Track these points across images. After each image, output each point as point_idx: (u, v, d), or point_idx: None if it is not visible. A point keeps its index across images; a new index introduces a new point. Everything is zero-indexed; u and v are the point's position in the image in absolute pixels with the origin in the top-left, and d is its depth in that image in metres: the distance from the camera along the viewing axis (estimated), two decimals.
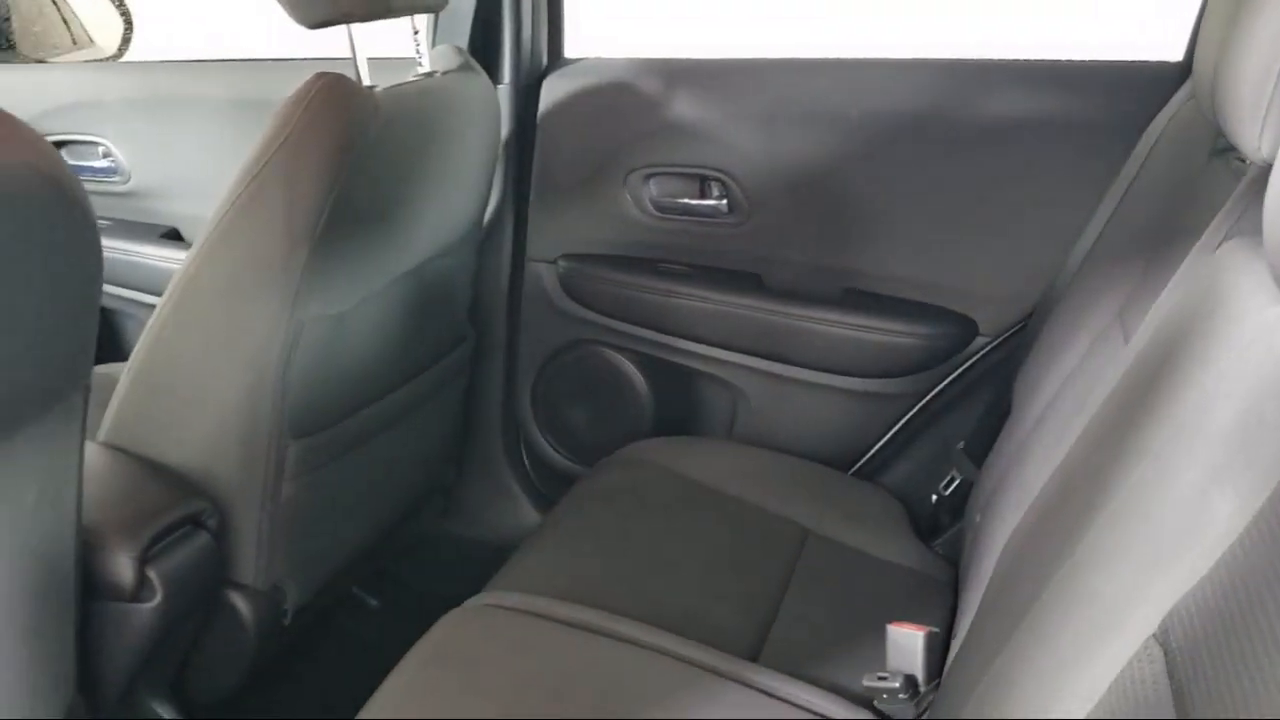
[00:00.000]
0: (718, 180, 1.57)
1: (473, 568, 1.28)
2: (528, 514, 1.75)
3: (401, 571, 1.73)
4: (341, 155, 1.13)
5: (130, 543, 1.08)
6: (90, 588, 1.06)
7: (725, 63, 1.59)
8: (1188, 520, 0.62)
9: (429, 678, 1.06)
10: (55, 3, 2.23)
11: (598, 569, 1.26)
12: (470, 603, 1.17)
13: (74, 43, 2.25)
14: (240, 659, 1.30)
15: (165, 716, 1.24)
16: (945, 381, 1.52)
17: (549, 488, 1.76)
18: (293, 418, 1.21)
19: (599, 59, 1.65)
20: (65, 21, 2.25)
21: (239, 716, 1.37)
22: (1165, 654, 0.59)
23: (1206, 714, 0.53)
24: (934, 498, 1.48)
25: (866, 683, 1.07)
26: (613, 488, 1.45)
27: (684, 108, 1.56)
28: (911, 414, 1.55)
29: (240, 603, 1.26)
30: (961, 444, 1.46)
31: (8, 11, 2.06)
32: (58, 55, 2.13)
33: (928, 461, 1.54)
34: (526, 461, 1.79)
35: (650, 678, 1.08)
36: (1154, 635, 0.61)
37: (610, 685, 1.06)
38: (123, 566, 1.07)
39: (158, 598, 1.09)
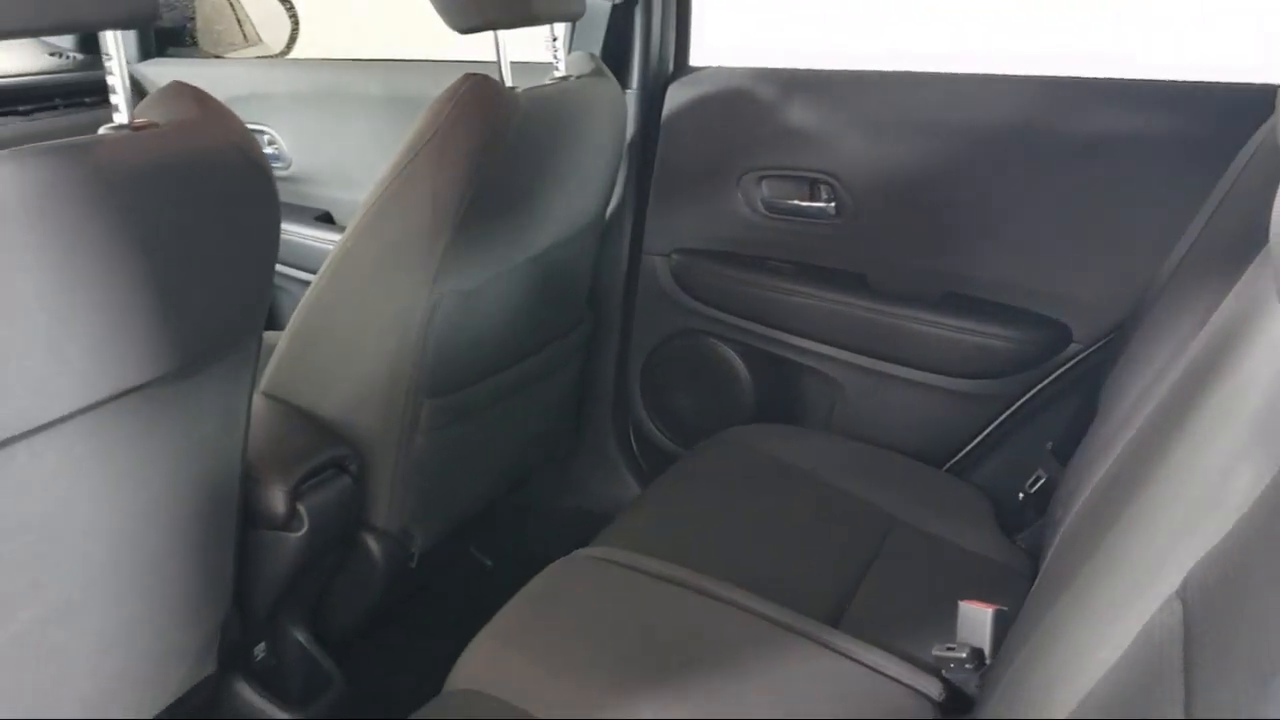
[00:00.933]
0: (827, 184, 1.66)
1: (577, 535, 1.38)
2: (630, 488, 1.87)
3: (513, 536, 1.87)
4: (484, 149, 1.26)
5: (284, 478, 1.23)
6: (248, 516, 1.22)
7: (838, 74, 1.68)
8: (1213, 492, 0.69)
9: (533, 614, 1.18)
10: (232, 5, 2.45)
11: (692, 534, 1.36)
12: (576, 553, 1.29)
13: (246, 40, 2.46)
14: (369, 595, 1.45)
15: (301, 639, 1.40)
16: (1039, 386, 1.58)
17: (651, 465, 1.88)
18: (427, 379, 1.34)
19: (720, 68, 1.76)
20: (239, 21, 2.46)
21: (362, 649, 1.51)
22: (1184, 607, 0.67)
23: (1210, 656, 0.61)
24: (1020, 495, 1.54)
25: (936, 652, 1.15)
26: (712, 466, 1.55)
27: (797, 115, 1.66)
28: (1004, 415, 1.61)
29: (372, 543, 1.40)
30: (1050, 444, 1.51)
31: (192, 12, 2.29)
32: (233, 51, 2.35)
33: (1016, 460, 1.59)
34: (632, 439, 1.90)
35: (732, 630, 1.18)
36: (1176, 592, 0.68)
37: (694, 634, 1.17)
38: (277, 498, 1.22)
39: (304, 529, 1.24)
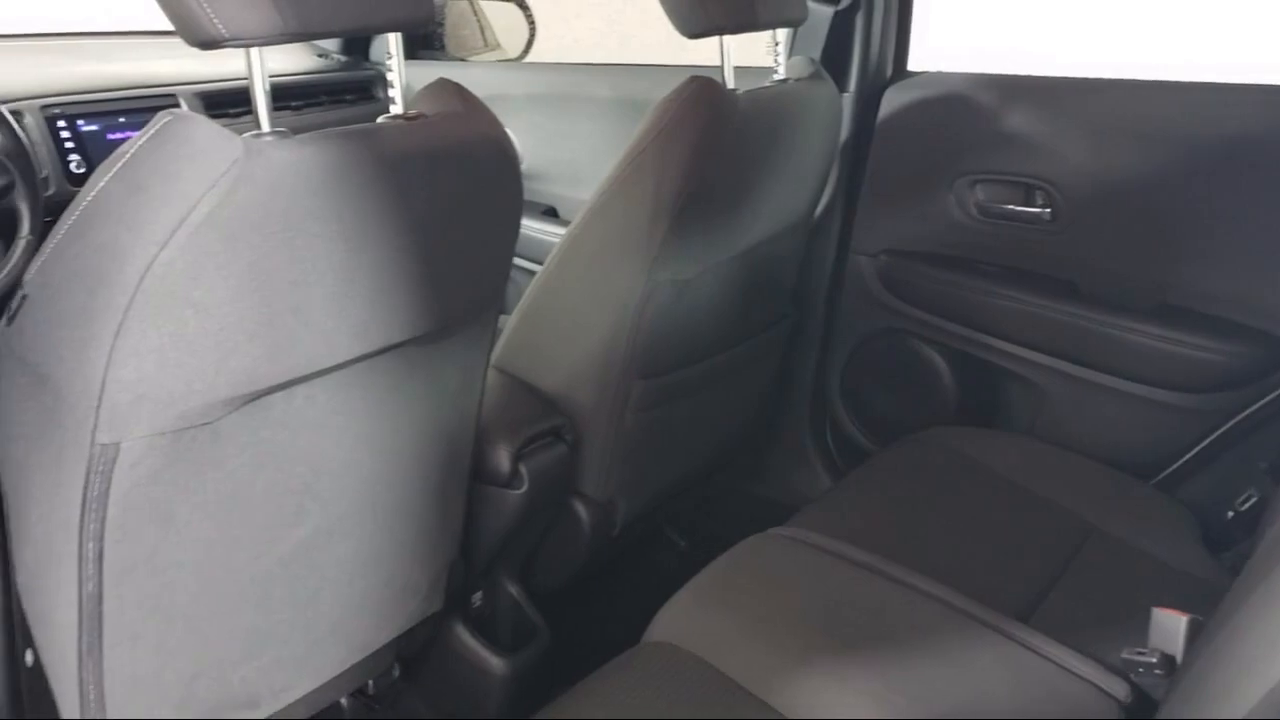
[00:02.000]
0: (1042, 189, 1.67)
1: (767, 522, 1.44)
2: (822, 481, 1.92)
3: (705, 519, 1.95)
4: (704, 147, 1.35)
5: (510, 441, 1.36)
6: (477, 472, 1.35)
7: (1059, 80, 1.68)
8: None
9: (727, 580, 1.26)
10: (476, 12, 2.65)
11: (885, 524, 1.41)
12: (771, 530, 1.36)
13: (487, 45, 2.66)
14: (575, 558, 1.57)
15: (514, 592, 1.53)
16: (1256, 405, 1.53)
17: (845, 461, 1.93)
18: (639, 361, 1.44)
19: (938, 73, 1.79)
20: (482, 28, 2.66)
21: (566, 606, 1.63)
22: None
23: None
24: (1229, 514, 1.50)
25: (1125, 654, 1.15)
26: (909, 463, 1.59)
27: (1016, 120, 1.67)
28: (1216, 432, 1.57)
29: (581, 509, 1.52)
30: (1265, 464, 1.47)
31: (442, 19, 2.49)
32: (475, 55, 2.54)
33: (1227, 477, 1.56)
34: (828, 434, 1.95)
35: (919, 616, 1.22)
36: None
37: (881, 615, 1.22)
38: (502, 457, 1.35)
39: (525, 487, 1.37)
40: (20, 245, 1.29)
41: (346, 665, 1.22)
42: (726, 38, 1.43)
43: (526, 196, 2.24)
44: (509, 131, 2.20)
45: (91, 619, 0.92)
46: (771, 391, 1.86)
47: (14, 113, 1.53)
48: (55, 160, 1.65)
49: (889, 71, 1.81)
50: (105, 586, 0.91)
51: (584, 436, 1.47)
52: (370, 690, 1.47)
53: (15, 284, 0.87)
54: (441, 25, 2.56)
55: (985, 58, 1.84)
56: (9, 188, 1.47)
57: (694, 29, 1.37)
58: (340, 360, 0.98)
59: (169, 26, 0.82)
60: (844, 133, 1.77)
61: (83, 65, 1.83)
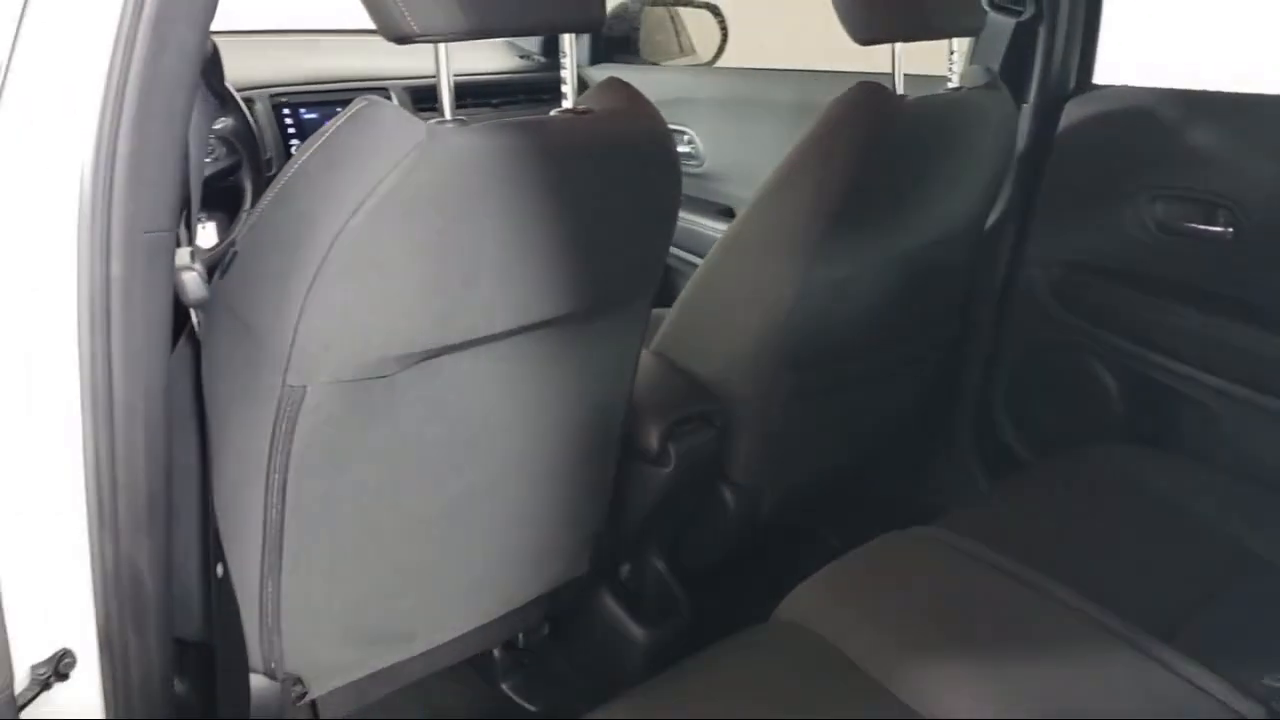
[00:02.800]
0: (1225, 208, 1.61)
1: (919, 524, 1.44)
2: (977, 489, 1.90)
3: (853, 515, 1.97)
4: (867, 149, 1.38)
5: (660, 420, 1.44)
6: (627, 449, 1.43)
7: (1247, 97, 1.62)
8: None
9: (862, 570, 1.29)
10: (672, 18, 2.75)
11: (1031, 533, 1.40)
12: (912, 529, 1.38)
13: (681, 51, 2.75)
14: (721, 541, 1.63)
15: (660, 568, 1.60)
16: None
17: (1003, 470, 1.91)
18: (792, 354, 1.49)
19: (1123, 87, 1.75)
20: (677, 33, 2.76)
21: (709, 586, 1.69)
22: None
23: None
24: None
25: (1267, 681, 1.12)
26: (1067, 476, 1.57)
27: (1201, 137, 1.62)
28: None
29: (728, 494, 1.58)
30: None
31: (639, 23, 2.60)
32: (668, 60, 2.64)
33: None
34: (988, 443, 1.94)
35: (1051, 624, 1.21)
36: None
37: (1010, 621, 1.22)
38: (652, 435, 1.43)
39: (672, 466, 1.44)
40: (244, 218, 1.46)
41: (496, 614, 1.33)
42: (899, 45, 1.45)
43: (706, 196, 2.33)
44: (692, 133, 2.31)
45: (273, 543, 1.05)
46: (932, 396, 1.87)
47: (246, 100, 1.73)
48: (278, 144, 1.84)
49: (1071, 84, 1.78)
50: (286, 515, 1.04)
51: (734, 424, 1.53)
52: (520, 644, 1.57)
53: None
54: (637, 30, 2.66)
55: (1166, 73, 1.79)
56: (237, 166, 1.66)
57: (866, 35, 1.40)
58: (502, 329, 1.08)
59: None
60: (1020, 144, 1.75)
61: (310, 60, 2.02)
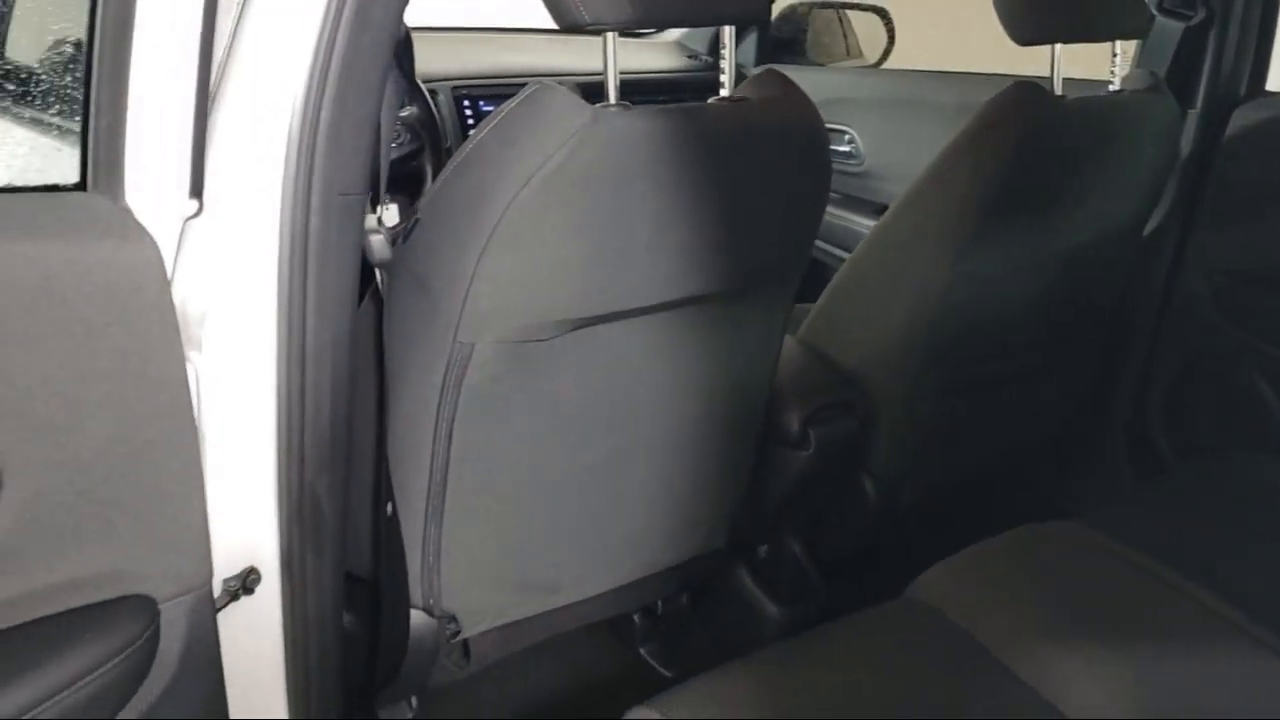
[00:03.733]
0: None
1: None
2: (1122, 493, 1.87)
3: (1004, 515, 1.95)
4: (1022, 147, 1.39)
5: (802, 405, 1.48)
6: (768, 431, 1.48)
7: None
8: None
9: (996, 556, 1.30)
10: (841, 21, 2.78)
11: (1172, 534, 1.38)
12: (1051, 522, 1.38)
13: (848, 53, 2.78)
14: (859, 529, 1.66)
15: (797, 551, 1.65)
16: None
17: (1151, 475, 1.87)
18: (937, 349, 1.51)
19: None
20: (845, 35, 2.79)
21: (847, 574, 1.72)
22: None
23: None
24: None
25: None
26: (1217, 482, 1.54)
27: None
28: None
29: (868, 484, 1.61)
30: None
31: (807, 25, 2.64)
32: (834, 62, 2.67)
33: None
34: (1138, 447, 1.90)
35: (1185, 623, 1.20)
36: None
37: (1144, 617, 1.21)
38: (793, 419, 1.48)
39: (811, 450, 1.48)
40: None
41: (636, 576, 1.40)
42: (1058, 47, 1.46)
43: (864, 195, 2.36)
44: (853, 132, 2.34)
45: (437, 488, 1.15)
46: (1079, 399, 1.85)
47: (431, 91, 1.86)
48: (457, 132, 1.97)
49: (1241, 90, 1.74)
50: (450, 462, 1.14)
51: (876, 415, 1.56)
52: (659, 611, 1.65)
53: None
54: (805, 32, 2.71)
55: None
56: (419, 151, 1.79)
57: (1026, 36, 1.42)
58: (653, 303, 1.15)
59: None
60: (1185, 149, 1.72)
61: (490, 56, 2.15)
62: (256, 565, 1.02)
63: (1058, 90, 1.47)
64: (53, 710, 0.72)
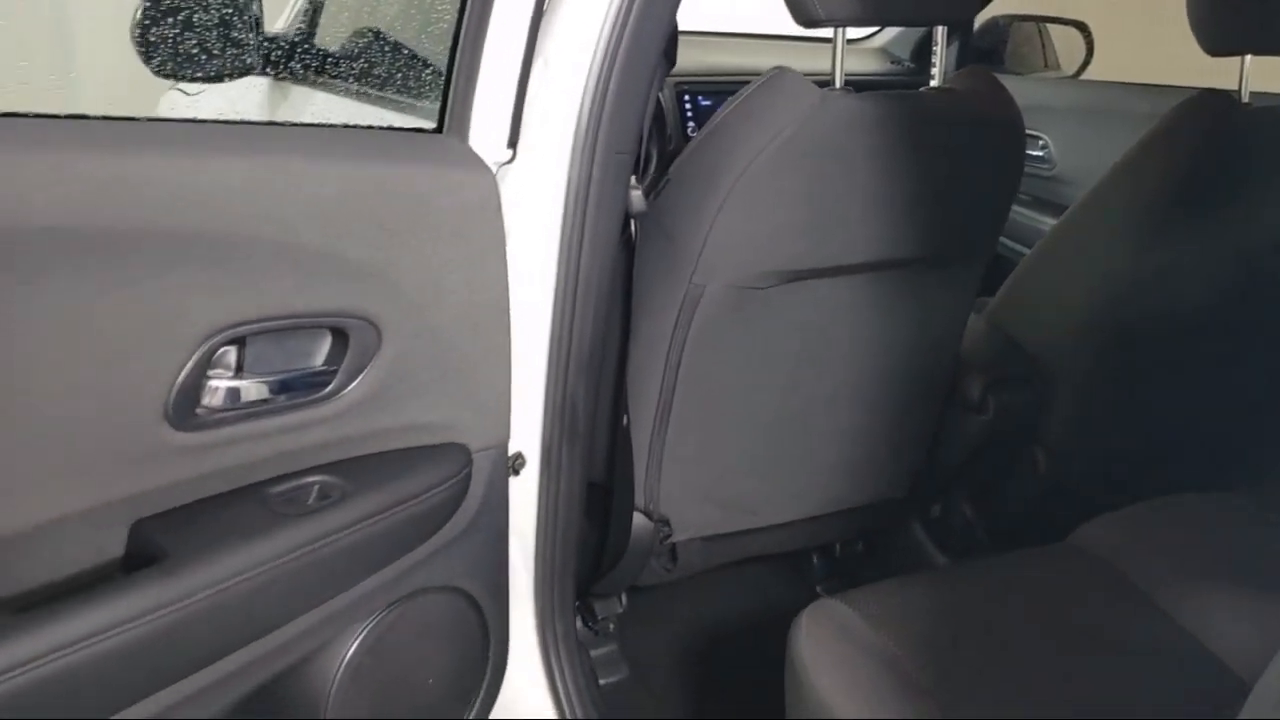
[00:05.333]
0: None
1: None
2: None
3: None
4: (1202, 150, 1.50)
5: (983, 372, 1.64)
6: (950, 394, 1.64)
7: None
8: None
9: (1154, 514, 1.42)
10: (1041, 33, 2.88)
11: None
12: (1213, 493, 1.48)
13: (1046, 65, 2.88)
14: (1029, 498, 1.79)
15: (968, 513, 1.79)
16: None
17: None
18: (1118, 333, 1.63)
19: None
20: (1044, 47, 2.89)
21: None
22: None
23: None
24: None
25: None
26: None
27: None
28: None
29: (1040, 456, 1.74)
30: None
31: (1007, 36, 2.76)
32: (1033, 73, 2.78)
33: None
34: None
35: None
36: None
37: None
38: (975, 385, 1.63)
39: (989, 415, 1.64)
40: (648, 178, 1.81)
41: (823, 510, 1.59)
42: (1249, 58, 1.55)
43: (1054, 199, 2.47)
44: (1047, 139, 2.45)
45: (664, 406, 1.37)
46: (1256, 390, 1.91)
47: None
48: (677, 124, 2.20)
49: None
50: (677, 385, 1.36)
51: (1053, 391, 1.69)
52: (836, 554, 1.82)
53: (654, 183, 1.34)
54: (1005, 43, 2.83)
55: None
56: (646, 139, 2.02)
57: (1217, 46, 1.52)
58: (858, 261, 1.34)
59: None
60: None
61: (710, 56, 2.38)
62: (523, 452, 1.25)
63: (1244, 99, 1.57)
64: (401, 514, 0.96)
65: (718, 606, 1.80)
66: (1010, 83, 2.61)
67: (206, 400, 0.86)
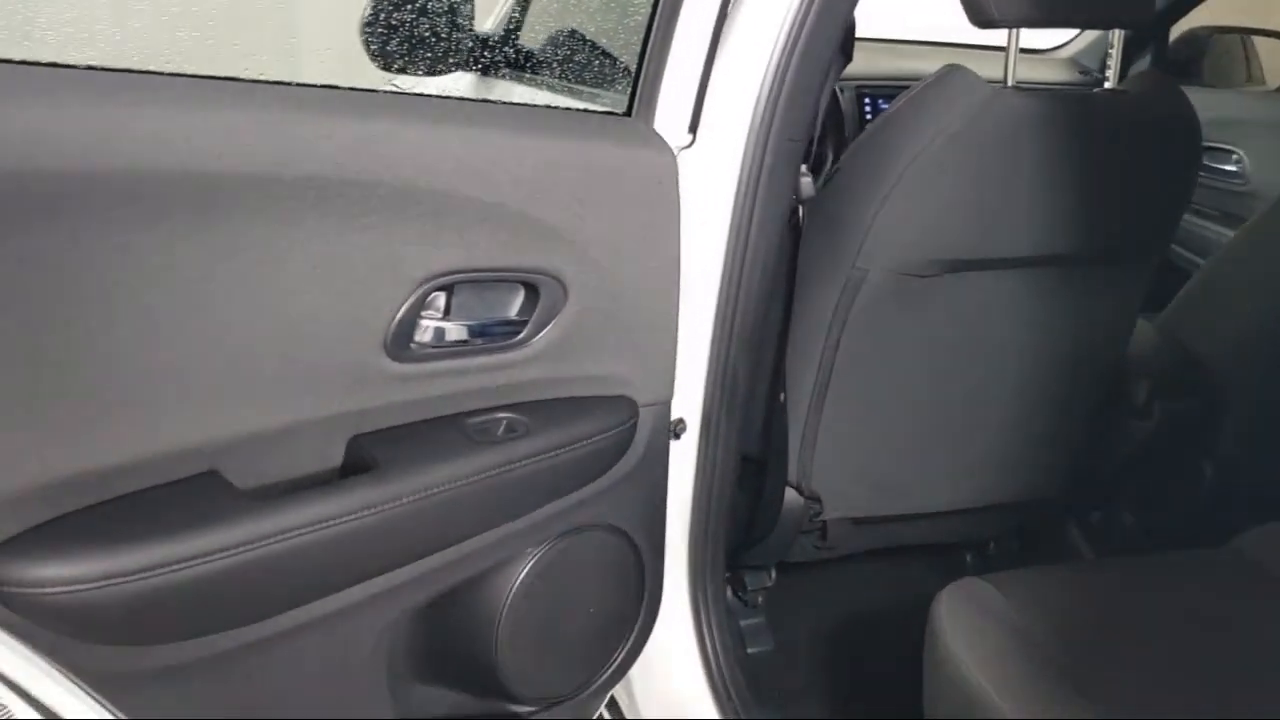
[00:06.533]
0: None
1: None
2: None
3: None
4: None
5: (1150, 378, 1.64)
6: (1114, 397, 1.65)
7: None
8: None
9: (1269, 542, 1.39)
10: (1245, 46, 2.80)
11: None
12: None
13: (1249, 79, 2.79)
14: (1196, 514, 1.77)
15: (1128, 523, 1.79)
16: None
17: None
18: None
19: None
20: (1248, 60, 2.80)
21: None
22: None
23: None
24: None
25: None
26: None
27: None
28: None
29: (1208, 468, 1.72)
30: None
31: (1206, 49, 2.70)
32: (1230, 86, 2.71)
33: None
34: None
35: None
36: None
37: None
38: (1140, 390, 1.64)
39: (1154, 422, 1.64)
40: (824, 173, 1.88)
41: (976, 503, 1.63)
42: None
43: (1245, 214, 2.40)
44: (1241, 153, 2.39)
45: (821, 385, 1.45)
46: None
47: (839, 89, 2.17)
48: (856, 125, 2.26)
49: None
50: (835, 366, 1.43)
51: (1224, 401, 1.68)
52: (991, 551, 1.85)
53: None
54: (1204, 55, 2.76)
55: None
56: (824, 137, 2.10)
57: None
58: (1020, 254, 1.38)
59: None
60: None
61: (892, 62, 2.43)
62: (684, 418, 1.34)
63: None
64: (573, 453, 1.07)
65: (868, 594, 1.85)
66: (1203, 95, 2.57)
67: (418, 337, 0.99)
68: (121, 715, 0.89)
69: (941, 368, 1.48)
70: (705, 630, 1.38)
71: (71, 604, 0.80)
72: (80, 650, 0.85)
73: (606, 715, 1.62)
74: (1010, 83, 1.31)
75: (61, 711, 0.89)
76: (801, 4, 1.15)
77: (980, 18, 1.25)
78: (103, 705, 0.90)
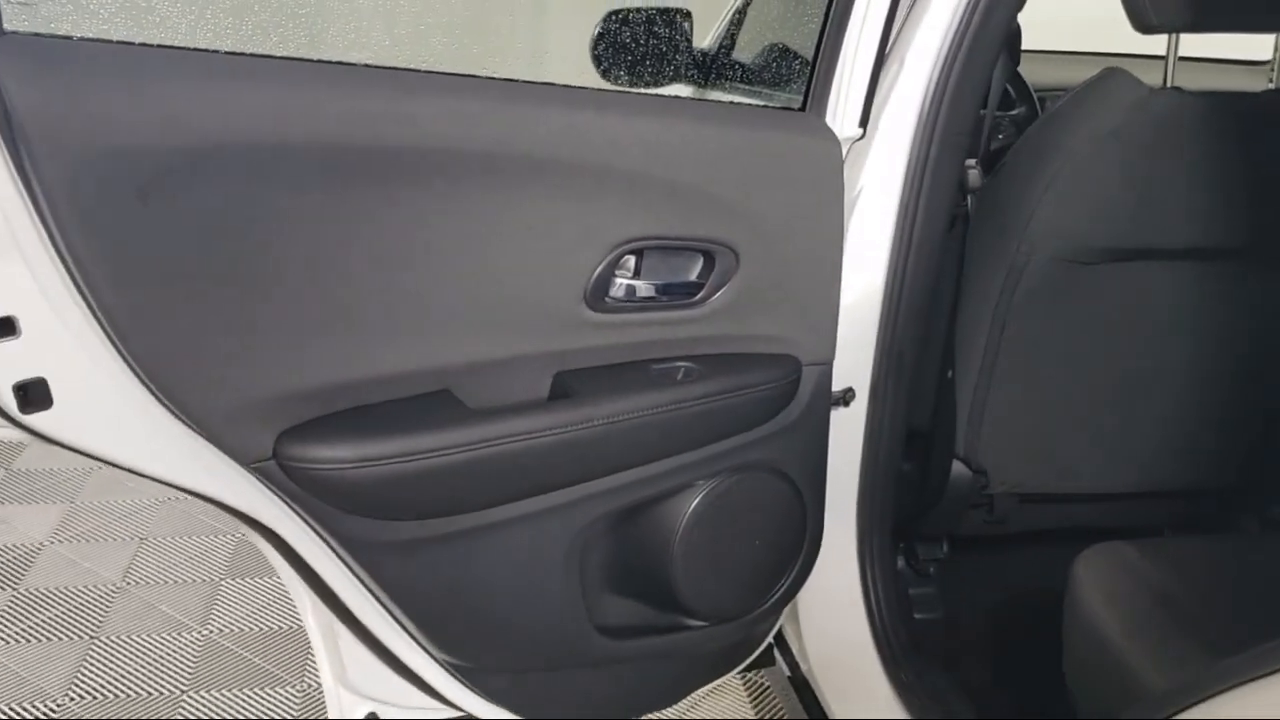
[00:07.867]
0: None
1: None
2: None
3: None
4: None
5: None
6: None
7: None
8: None
9: None
10: None
11: None
12: None
13: None
14: None
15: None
16: None
17: None
18: None
19: None
20: None
21: None
22: None
23: None
24: None
25: None
26: None
27: None
28: None
29: None
30: None
31: None
32: None
33: None
34: None
35: None
36: None
37: None
38: None
39: None
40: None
41: (1139, 489, 1.68)
42: None
43: None
44: None
45: (988, 363, 1.56)
46: None
47: (1040, 99, 2.24)
48: None
49: None
50: (1001, 345, 1.54)
51: None
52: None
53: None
54: None
55: None
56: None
57: None
58: (1178, 245, 1.45)
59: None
60: None
61: (1063, 72, 2.47)
62: (853, 387, 1.49)
63: None
64: (742, 397, 1.25)
65: (1040, 576, 1.91)
66: None
67: (612, 292, 1.19)
68: (363, 574, 1.15)
69: (1106, 351, 1.56)
70: (870, 584, 1.52)
71: (334, 478, 1.05)
72: (338, 519, 1.10)
73: (776, 652, 1.78)
74: (1169, 83, 1.39)
75: (318, 569, 1.15)
76: (965, 10, 1.28)
77: (1141, 23, 1.34)
78: (349, 566, 1.15)
